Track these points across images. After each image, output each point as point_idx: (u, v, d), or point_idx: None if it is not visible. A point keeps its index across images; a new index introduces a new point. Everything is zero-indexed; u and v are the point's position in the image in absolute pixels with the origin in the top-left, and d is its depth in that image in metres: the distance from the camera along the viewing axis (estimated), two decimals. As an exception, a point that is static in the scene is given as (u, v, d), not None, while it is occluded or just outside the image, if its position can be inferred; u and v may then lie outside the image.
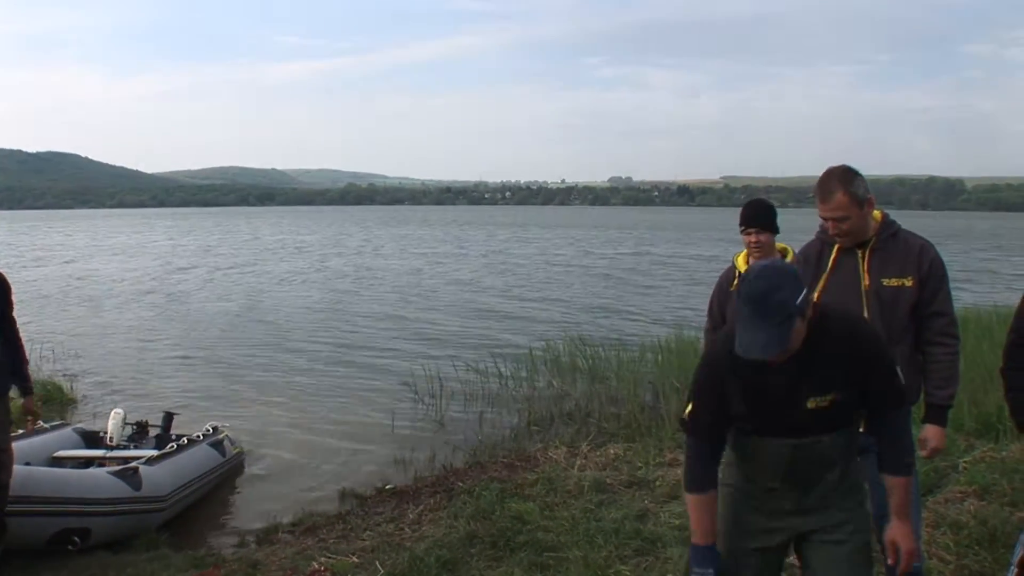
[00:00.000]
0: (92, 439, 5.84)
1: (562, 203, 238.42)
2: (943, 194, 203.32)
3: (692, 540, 2.28)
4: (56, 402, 8.45)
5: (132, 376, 10.32)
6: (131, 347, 12.44)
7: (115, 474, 4.78)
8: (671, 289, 20.60)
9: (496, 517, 4.52)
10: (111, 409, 6.18)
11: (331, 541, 4.62)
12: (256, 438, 7.39)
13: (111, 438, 5.76)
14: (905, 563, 2.24)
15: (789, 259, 3.76)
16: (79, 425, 6.27)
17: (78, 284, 21.97)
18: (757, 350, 2.02)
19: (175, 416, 6.49)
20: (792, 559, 2.54)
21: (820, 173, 2.93)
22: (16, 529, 4.05)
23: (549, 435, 7.19)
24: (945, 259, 2.96)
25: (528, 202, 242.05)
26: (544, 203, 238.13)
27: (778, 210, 3.86)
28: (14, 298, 4.18)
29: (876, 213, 2.91)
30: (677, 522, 4.31)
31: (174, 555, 4.47)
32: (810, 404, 2.15)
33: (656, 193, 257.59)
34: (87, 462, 5.42)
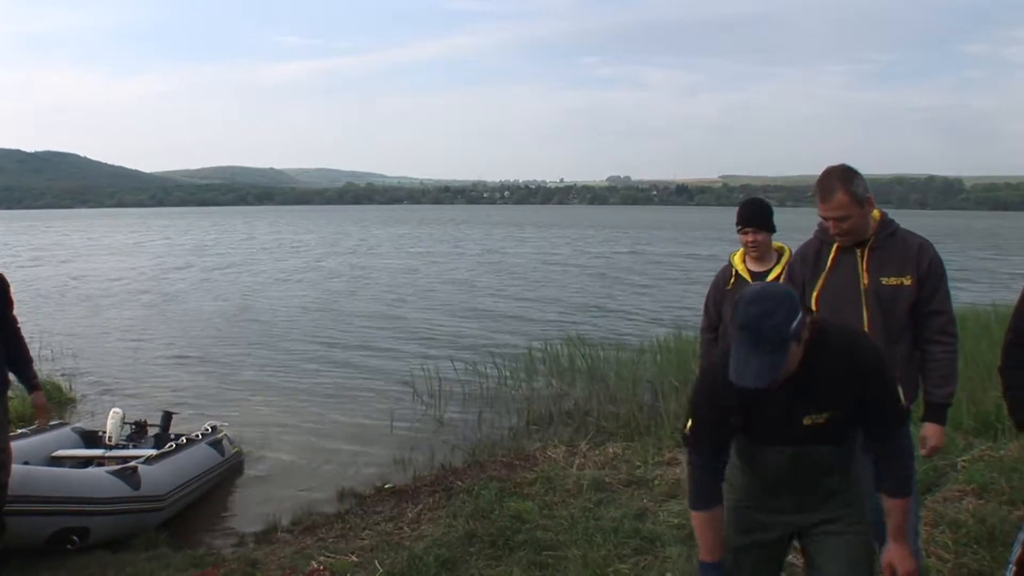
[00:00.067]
0: (91, 438, 5.84)
1: (561, 202, 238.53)
2: (942, 193, 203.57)
3: (699, 557, 2.27)
4: (54, 401, 8.43)
5: (130, 375, 10.31)
6: (129, 347, 12.43)
7: (114, 473, 4.78)
8: (669, 288, 20.59)
9: (495, 516, 4.52)
10: (110, 408, 6.18)
11: (330, 540, 4.62)
12: (255, 437, 7.38)
13: (110, 437, 5.76)
14: None
15: (786, 258, 3.77)
16: (78, 424, 6.26)
17: (75, 284, 21.95)
18: (750, 378, 1.98)
19: (174, 415, 6.48)
20: (792, 558, 2.55)
21: (819, 172, 2.93)
22: (15, 528, 4.05)
23: (548, 434, 7.19)
24: (943, 258, 2.97)
25: (527, 201, 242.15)
26: (543, 202, 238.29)
27: (777, 209, 3.87)
28: (14, 296, 4.17)
29: (875, 212, 2.91)
30: (676, 521, 4.31)
31: (173, 554, 4.47)
32: (806, 421, 2.14)
33: (655, 192, 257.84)
34: (86, 461, 5.42)
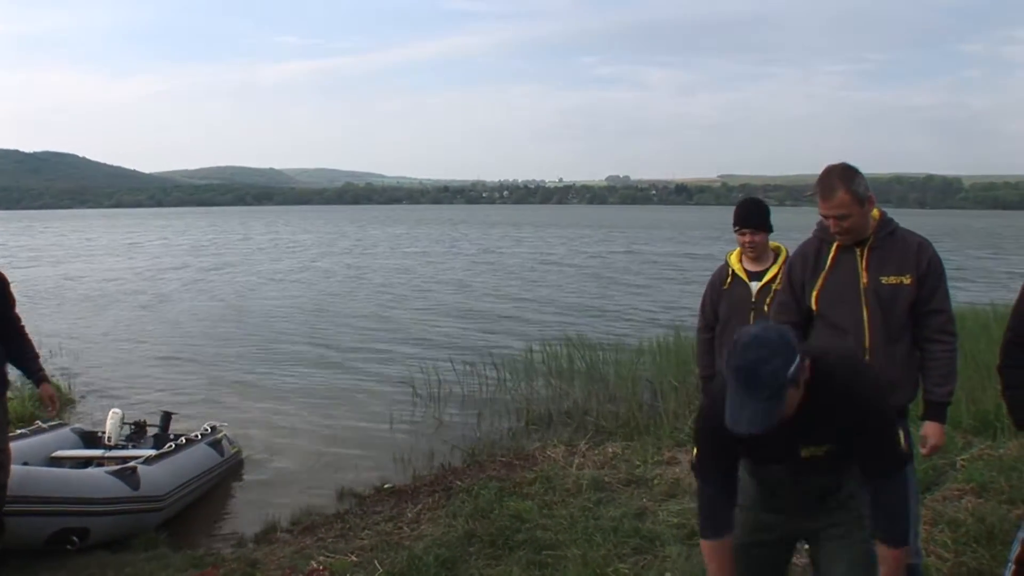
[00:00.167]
0: (90, 439, 5.83)
1: (560, 202, 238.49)
2: (941, 192, 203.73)
3: None
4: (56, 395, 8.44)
5: (129, 376, 10.31)
6: (128, 347, 12.43)
7: (113, 474, 4.78)
8: (667, 288, 20.58)
9: (495, 516, 4.52)
10: (109, 409, 6.17)
11: (330, 540, 4.62)
12: (254, 437, 7.38)
13: (109, 438, 5.75)
14: None
15: (783, 257, 3.78)
16: (77, 425, 6.25)
17: (73, 284, 21.93)
18: (744, 425, 1.94)
19: (173, 416, 6.48)
20: (795, 559, 2.55)
21: (818, 172, 2.93)
22: (14, 529, 4.05)
23: (547, 434, 7.19)
24: (941, 257, 2.97)
25: (526, 201, 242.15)
26: (542, 202, 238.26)
27: (776, 208, 3.87)
28: (14, 292, 4.18)
29: (874, 212, 2.92)
30: (675, 520, 4.32)
31: (173, 554, 4.46)
32: (804, 453, 2.13)
33: (654, 192, 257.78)
34: (85, 462, 5.41)
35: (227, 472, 6.31)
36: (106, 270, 26.78)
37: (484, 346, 11.63)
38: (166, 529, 5.03)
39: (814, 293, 2.96)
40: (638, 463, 5.57)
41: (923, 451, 2.96)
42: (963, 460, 4.93)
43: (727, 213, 3.94)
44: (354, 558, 4.16)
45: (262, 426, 7.86)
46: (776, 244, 3.88)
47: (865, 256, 2.90)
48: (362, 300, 18.32)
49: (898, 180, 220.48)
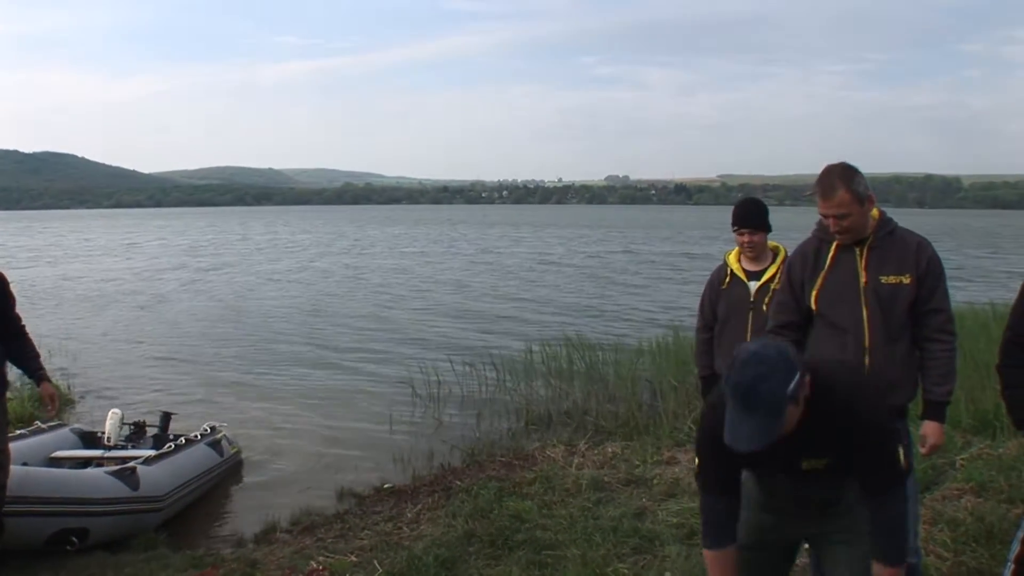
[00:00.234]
0: (90, 439, 5.83)
1: (559, 202, 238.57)
2: (940, 192, 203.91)
3: None
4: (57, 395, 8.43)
5: (128, 376, 10.30)
6: (127, 347, 12.42)
7: (113, 474, 4.77)
8: (666, 288, 20.58)
9: (494, 516, 4.52)
10: (108, 409, 6.17)
11: (329, 540, 4.62)
12: (253, 438, 7.37)
13: (109, 438, 5.75)
14: None
15: (781, 257, 3.78)
16: (76, 425, 6.25)
17: (71, 285, 21.92)
18: (743, 443, 1.94)
19: (172, 416, 6.48)
20: (798, 560, 2.55)
21: (817, 171, 2.93)
22: (14, 529, 4.04)
23: (547, 434, 7.19)
24: (941, 257, 2.97)
25: (525, 201, 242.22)
26: (541, 202, 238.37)
27: (775, 208, 3.87)
28: (14, 292, 4.18)
29: (873, 211, 2.92)
30: (675, 520, 4.32)
31: (172, 555, 4.46)
32: (805, 465, 2.13)
33: (653, 192, 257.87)
34: (85, 462, 5.40)
35: (227, 472, 6.30)
36: (104, 270, 26.77)
37: (483, 346, 11.64)
38: (166, 529, 5.03)
39: (814, 292, 2.96)
40: (637, 463, 5.57)
41: (922, 450, 2.96)
42: (962, 459, 4.93)
43: (726, 213, 3.94)
44: (354, 558, 4.16)
45: (261, 426, 7.85)
46: (775, 244, 3.88)
47: (864, 255, 2.90)
48: (360, 300, 18.31)
49: (897, 180, 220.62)
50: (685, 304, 14.94)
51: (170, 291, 20.38)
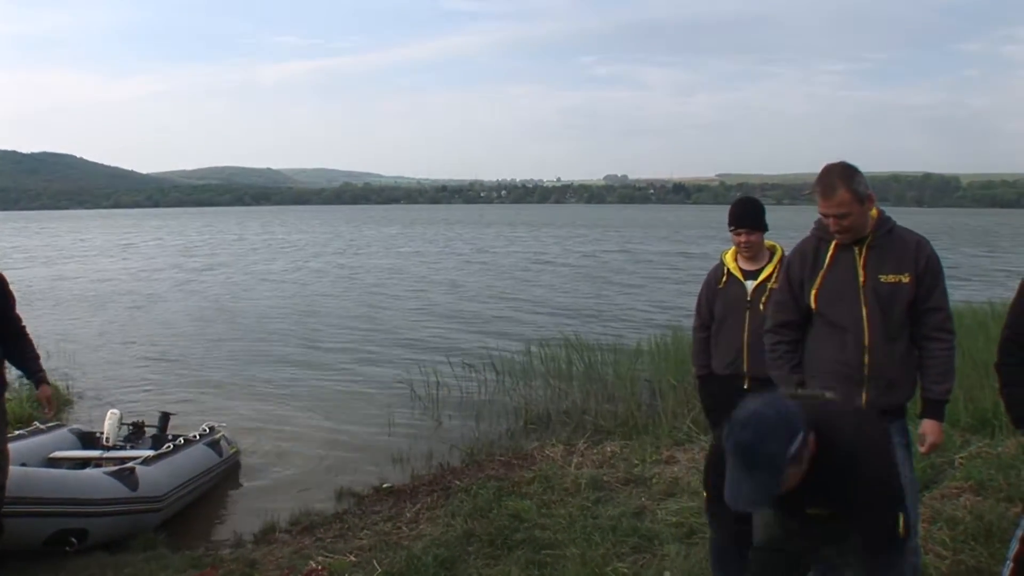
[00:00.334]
0: (88, 440, 5.82)
1: (558, 201, 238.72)
2: (939, 191, 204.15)
3: None
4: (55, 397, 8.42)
5: (127, 376, 10.29)
6: (125, 348, 12.41)
7: (112, 474, 4.77)
8: (664, 288, 20.58)
9: (493, 515, 4.52)
10: (107, 410, 6.16)
11: (328, 540, 4.62)
12: (252, 438, 7.37)
13: (107, 439, 5.74)
14: None
15: (778, 256, 3.78)
16: (75, 426, 6.24)
17: (69, 285, 21.90)
18: (742, 503, 1.92)
19: (171, 416, 6.47)
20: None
21: (816, 170, 2.93)
22: (13, 530, 4.04)
23: (546, 433, 7.18)
24: (939, 255, 2.97)
25: (524, 200, 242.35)
26: (540, 201, 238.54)
27: (774, 207, 3.87)
28: (13, 291, 4.17)
29: (872, 210, 2.92)
30: (674, 519, 4.31)
31: (171, 555, 4.46)
32: (810, 511, 2.12)
33: (652, 191, 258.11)
34: (83, 463, 5.40)
35: (226, 473, 6.30)
36: (101, 271, 26.75)
37: (481, 346, 11.62)
38: (165, 530, 5.02)
39: (813, 291, 2.96)
40: (636, 462, 5.57)
41: (921, 449, 2.97)
42: (961, 458, 4.93)
43: (725, 212, 3.95)
44: (353, 558, 4.15)
45: (260, 426, 7.84)
46: (771, 243, 3.88)
47: (864, 254, 2.90)
48: (356, 301, 18.28)
49: (896, 178, 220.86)
50: (683, 304, 14.92)
51: (167, 292, 20.34)
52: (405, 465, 6.59)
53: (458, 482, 5.46)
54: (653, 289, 20.29)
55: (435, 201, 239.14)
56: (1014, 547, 2.62)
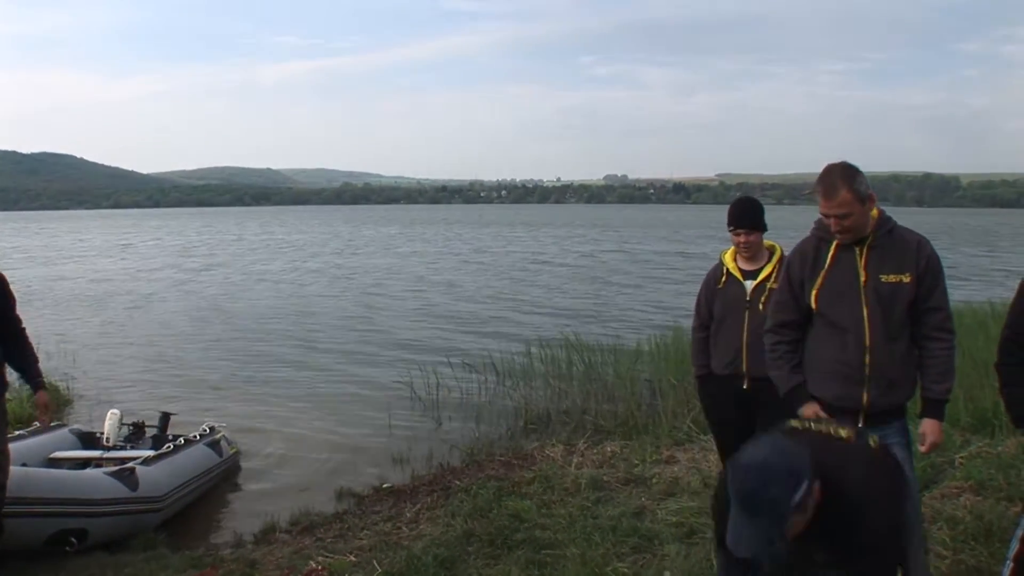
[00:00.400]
0: (88, 440, 5.83)
1: (557, 201, 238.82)
2: (938, 190, 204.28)
3: None
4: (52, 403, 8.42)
5: (127, 377, 10.30)
6: (124, 348, 12.41)
7: (112, 475, 4.77)
8: (664, 288, 20.58)
9: (493, 515, 4.52)
10: (107, 410, 6.16)
11: (328, 540, 4.62)
12: (252, 438, 7.38)
13: (107, 439, 5.74)
14: None
15: (777, 256, 3.78)
16: (75, 426, 6.25)
17: (69, 286, 21.90)
18: (742, 548, 1.90)
19: (171, 416, 6.47)
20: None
21: (816, 170, 2.93)
22: (13, 530, 4.04)
23: (546, 433, 7.18)
24: (939, 255, 2.97)
25: (524, 200, 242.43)
26: (540, 201, 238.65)
27: (774, 207, 3.87)
28: (13, 291, 4.16)
29: (872, 210, 2.92)
30: (674, 519, 4.31)
31: (172, 555, 4.46)
32: (816, 556, 2.09)
33: (652, 191, 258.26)
34: (84, 463, 5.40)
35: (226, 473, 6.30)
36: (100, 271, 26.76)
37: (480, 347, 11.62)
38: (165, 530, 5.02)
39: (814, 291, 2.96)
40: (636, 462, 5.57)
41: (921, 449, 2.97)
42: (961, 458, 4.93)
43: (724, 212, 3.95)
44: (353, 558, 4.15)
45: (260, 427, 7.84)
46: (771, 243, 3.88)
47: (864, 254, 2.90)
48: (354, 301, 18.27)
49: (896, 178, 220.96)
50: (683, 304, 14.90)
51: (166, 292, 20.35)
52: (405, 465, 6.59)
53: (458, 482, 5.46)
54: (652, 289, 20.29)
55: (435, 201, 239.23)
56: (1014, 547, 2.62)
